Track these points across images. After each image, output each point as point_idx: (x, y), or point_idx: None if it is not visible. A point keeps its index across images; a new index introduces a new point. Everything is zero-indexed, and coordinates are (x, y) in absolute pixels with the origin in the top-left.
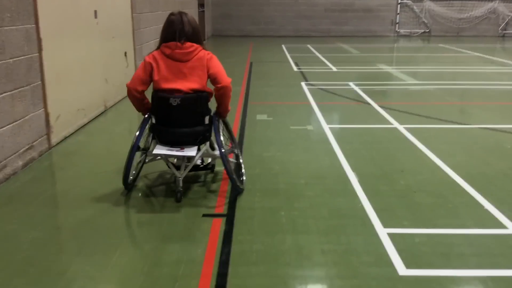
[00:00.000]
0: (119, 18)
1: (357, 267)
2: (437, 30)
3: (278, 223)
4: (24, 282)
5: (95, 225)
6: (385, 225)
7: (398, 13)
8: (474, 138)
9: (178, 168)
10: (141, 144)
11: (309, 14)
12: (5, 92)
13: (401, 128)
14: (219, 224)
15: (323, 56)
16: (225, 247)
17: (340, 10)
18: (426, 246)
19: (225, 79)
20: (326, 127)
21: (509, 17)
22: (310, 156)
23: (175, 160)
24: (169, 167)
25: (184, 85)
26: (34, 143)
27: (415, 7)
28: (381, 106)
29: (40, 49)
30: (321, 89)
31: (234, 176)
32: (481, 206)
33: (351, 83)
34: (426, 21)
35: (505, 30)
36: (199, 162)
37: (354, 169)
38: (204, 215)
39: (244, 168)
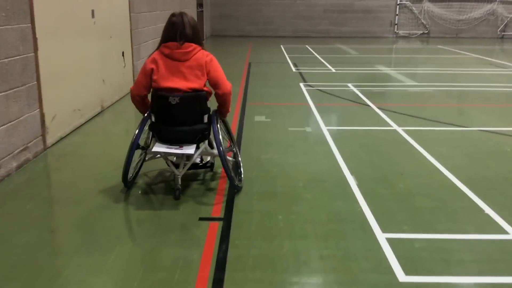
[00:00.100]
0: (117, 18)
1: (356, 274)
2: (436, 32)
3: (275, 227)
4: (17, 286)
5: (89, 228)
6: (384, 229)
7: (397, 14)
8: (473, 140)
9: (177, 166)
10: (141, 142)
11: (308, 14)
12: None
13: (400, 130)
14: (216, 228)
15: (322, 57)
16: (222, 251)
17: (339, 11)
18: (426, 251)
19: (225, 85)
20: (324, 129)
21: (508, 18)
22: (309, 158)
23: (174, 158)
24: (168, 165)
25: (183, 84)
26: (29, 144)
27: (414, 8)
28: (380, 108)
29: (35, 49)
30: (320, 90)
31: (232, 175)
32: (481, 211)
33: (349, 84)
34: (425, 22)
35: (504, 31)
36: (198, 160)
37: (353, 172)
38: (200, 219)
39: (242, 167)
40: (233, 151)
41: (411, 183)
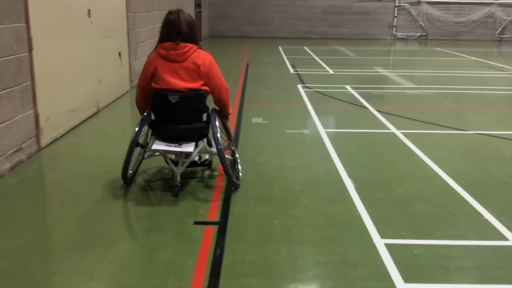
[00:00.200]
0: (114, 18)
1: (354, 281)
2: (434, 34)
3: (272, 232)
4: None
5: (82, 231)
6: (383, 235)
7: (396, 16)
8: (472, 144)
9: (176, 163)
10: (140, 140)
11: (307, 16)
12: None
13: (398, 133)
14: (212, 232)
15: (320, 59)
16: (217, 257)
17: (338, 12)
18: (425, 258)
19: (224, 93)
20: (322, 131)
21: (506, 21)
22: (306, 161)
23: (173, 156)
24: (167, 162)
25: (180, 85)
26: (22, 145)
27: (412, 11)
28: (378, 110)
29: (30, 49)
30: (318, 92)
31: (230, 172)
32: (480, 216)
33: (348, 86)
34: (423, 24)
35: (502, 34)
36: (196, 158)
37: (351, 175)
38: (196, 223)
39: (240, 164)
40: (231, 149)
41: (409, 187)
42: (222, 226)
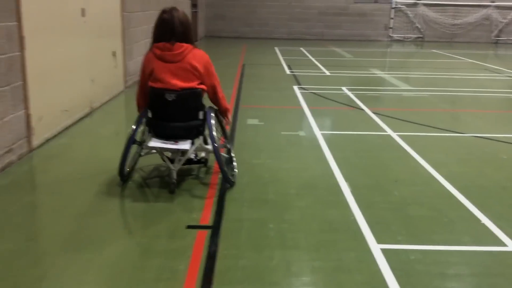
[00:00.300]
0: (108, 17)
1: (349, 287)
2: (430, 36)
3: (266, 237)
4: None
5: (72, 235)
6: (379, 240)
7: (392, 18)
8: (469, 147)
9: (172, 161)
10: (137, 138)
11: (303, 17)
12: None
13: (394, 135)
14: (204, 237)
15: (316, 60)
16: (209, 262)
17: (334, 13)
18: (421, 264)
19: (219, 90)
20: (318, 133)
21: (502, 24)
22: (302, 164)
23: (170, 153)
24: (163, 160)
25: (177, 85)
26: (13, 146)
27: (409, 12)
28: (374, 112)
29: (22, 48)
30: (314, 93)
31: (225, 169)
32: (478, 221)
33: (344, 88)
34: (419, 26)
35: (498, 37)
36: (192, 156)
37: (346, 178)
38: (189, 227)
39: (235, 161)
40: (227, 147)
41: (406, 190)
42: (215, 231)
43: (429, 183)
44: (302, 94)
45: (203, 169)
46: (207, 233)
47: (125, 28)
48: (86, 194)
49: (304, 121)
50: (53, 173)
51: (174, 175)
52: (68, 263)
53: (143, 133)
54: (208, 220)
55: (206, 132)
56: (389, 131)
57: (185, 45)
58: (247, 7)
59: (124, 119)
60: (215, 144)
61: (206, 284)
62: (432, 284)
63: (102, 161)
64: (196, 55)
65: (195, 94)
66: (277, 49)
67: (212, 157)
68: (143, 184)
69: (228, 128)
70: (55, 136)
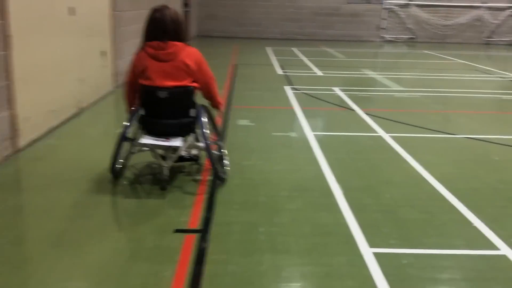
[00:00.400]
0: (98, 16)
1: None
2: (422, 36)
3: (256, 241)
4: None
5: (56, 240)
6: (371, 244)
7: (384, 19)
8: (461, 148)
9: (164, 158)
10: (129, 135)
11: (296, 17)
12: None
13: (386, 136)
14: (192, 241)
15: (308, 60)
16: (197, 268)
17: (327, 14)
18: (413, 268)
19: (213, 87)
20: (309, 134)
21: (494, 25)
22: (293, 165)
23: (162, 151)
24: (155, 157)
25: (169, 84)
26: None
27: (401, 13)
28: (366, 113)
29: (7, 47)
30: (306, 93)
31: (217, 166)
32: (470, 223)
33: (336, 88)
34: (411, 27)
35: (489, 37)
36: (184, 153)
37: (338, 180)
38: (177, 231)
39: (228, 160)
40: (218, 144)
41: (397, 193)
42: (203, 235)
43: (421, 185)
44: (294, 94)
45: (195, 166)
46: (195, 237)
47: (115, 27)
48: (74, 195)
49: (296, 122)
50: (39, 174)
51: (166, 172)
52: (50, 271)
53: (135, 130)
54: (197, 223)
55: (198, 129)
56: (381, 132)
57: (178, 43)
58: (239, 7)
59: (113, 119)
60: (207, 142)
61: None
62: None
63: (91, 162)
64: (189, 53)
65: (187, 92)
66: (269, 49)
67: (203, 154)
68: (134, 181)
69: (219, 122)
70: (42, 136)
